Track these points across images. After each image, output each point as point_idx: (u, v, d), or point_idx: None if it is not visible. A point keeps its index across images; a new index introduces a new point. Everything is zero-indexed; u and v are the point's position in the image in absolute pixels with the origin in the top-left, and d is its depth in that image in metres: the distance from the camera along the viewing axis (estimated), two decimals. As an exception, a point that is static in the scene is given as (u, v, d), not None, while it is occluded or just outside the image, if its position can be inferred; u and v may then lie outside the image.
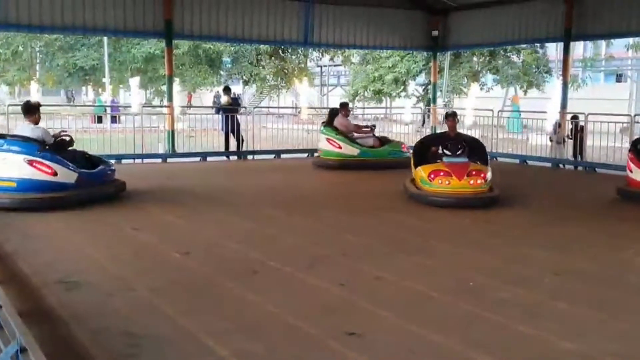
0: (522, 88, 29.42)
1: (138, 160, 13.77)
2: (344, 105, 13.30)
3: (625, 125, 14.19)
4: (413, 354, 3.78)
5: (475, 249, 6.37)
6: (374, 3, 16.25)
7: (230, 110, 15.05)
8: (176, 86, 17.03)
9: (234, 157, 14.99)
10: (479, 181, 8.53)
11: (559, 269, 5.61)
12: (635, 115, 15.31)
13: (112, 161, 9.61)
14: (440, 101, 23.36)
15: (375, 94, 30.32)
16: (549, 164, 13.79)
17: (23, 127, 8.32)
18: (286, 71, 32.15)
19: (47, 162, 7.86)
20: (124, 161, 13.51)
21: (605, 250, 6.46)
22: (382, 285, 5.15)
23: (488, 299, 4.80)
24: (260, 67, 31.56)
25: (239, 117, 15.48)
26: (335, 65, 43.10)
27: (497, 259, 5.98)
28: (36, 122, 8.31)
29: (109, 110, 25.03)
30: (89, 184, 8.32)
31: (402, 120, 21.87)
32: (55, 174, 7.89)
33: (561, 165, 13.75)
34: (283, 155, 14.98)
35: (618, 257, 6.17)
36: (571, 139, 13.99)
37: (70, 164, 8.12)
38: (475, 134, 18.87)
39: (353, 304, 4.67)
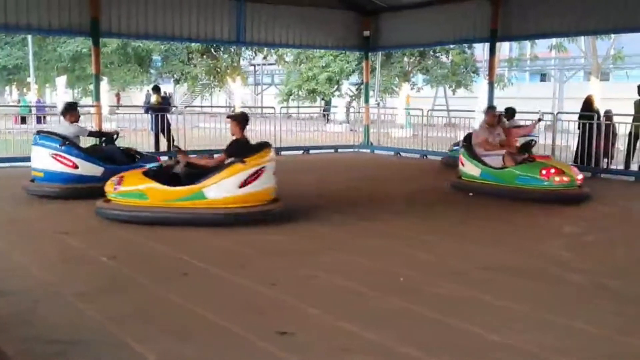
0: (451, 87, 30.10)
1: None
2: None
3: (549, 123, 14.70)
4: (346, 352, 3.81)
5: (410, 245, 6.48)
6: (306, 2, 16.27)
7: (160, 109, 14.81)
8: (104, 85, 16.61)
9: (164, 158, 14.76)
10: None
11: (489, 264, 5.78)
12: (558, 113, 15.91)
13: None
14: (372, 100, 23.64)
15: (309, 93, 30.44)
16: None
17: (60, 125, 9.55)
18: (219, 70, 31.85)
19: (68, 156, 8.71)
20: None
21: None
22: (314, 284, 5.18)
23: (420, 294, 4.90)
24: (192, 66, 31.17)
25: (169, 116, 15.26)
26: (268, 64, 42.99)
27: (431, 255, 6.11)
28: (74, 121, 9.25)
29: (34, 110, 24.21)
30: None
31: (336, 119, 22.07)
32: (76, 167, 8.73)
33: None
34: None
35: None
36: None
37: (94, 158, 8.92)
38: (407, 132, 19.31)
39: (284, 303, 4.68)
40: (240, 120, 7.56)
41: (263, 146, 7.46)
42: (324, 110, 30.34)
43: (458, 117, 17.44)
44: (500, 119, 10.81)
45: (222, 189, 7.10)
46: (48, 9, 12.96)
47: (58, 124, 9.42)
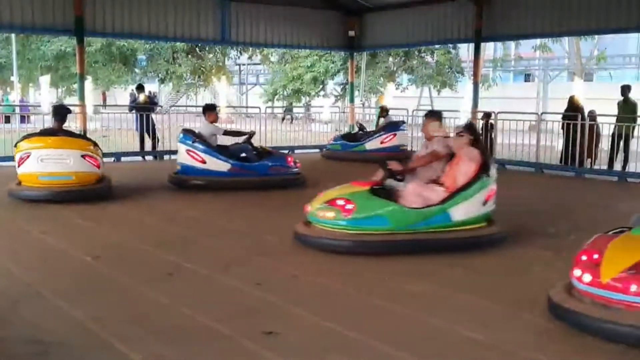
0: (436, 87, 30.19)
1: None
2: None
3: (533, 123, 14.80)
4: (328, 352, 3.82)
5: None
6: (292, 2, 16.29)
7: (145, 109, 14.73)
8: (89, 84, 16.47)
9: (149, 157, 14.72)
10: None
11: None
12: (542, 113, 16.02)
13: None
14: (357, 100, 23.67)
15: (294, 93, 30.41)
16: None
17: (201, 124, 10.32)
18: (203, 69, 31.72)
19: (198, 152, 9.59)
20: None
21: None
22: (298, 284, 5.18)
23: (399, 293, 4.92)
24: (177, 65, 31.01)
25: (154, 116, 15.19)
26: (254, 64, 42.90)
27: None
28: (212, 120, 9.99)
29: (17, 109, 23.99)
30: (245, 174, 9.70)
31: (321, 119, 22.07)
32: (204, 162, 9.55)
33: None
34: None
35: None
36: (480, 135, 14.48)
37: (221, 155, 9.62)
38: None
39: (269, 303, 4.68)
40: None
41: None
42: (285, 111, 30.52)
43: (443, 117, 17.48)
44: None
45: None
46: (32, 7, 12.87)
47: (201, 123, 10.36)
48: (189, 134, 9.81)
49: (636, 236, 4.44)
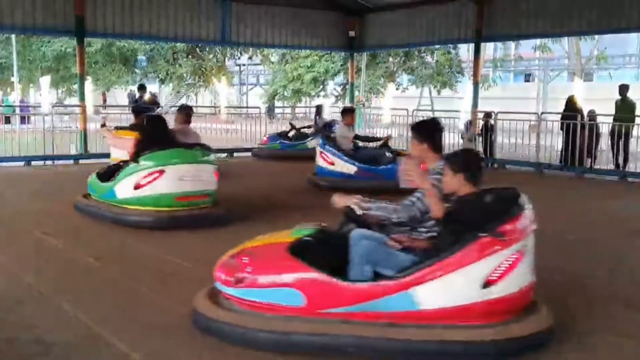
0: (436, 88, 30.19)
1: (49, 162, 13.33)
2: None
3: (533, 123, 14.80)
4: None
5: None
6: (292, 3, 16.31)
7: (150, 109, 14.69)
8: (89, 85, 16.48)
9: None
10: None
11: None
12: (542, 113, 16.03)
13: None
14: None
15: (295, 93, 30.43)
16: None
17: (338, 127, 10.56)
18: (204, 70, 31.73)
19: (327, 154, 9.89)
20: (34, 163, 13.11)
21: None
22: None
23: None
24: (177, 66, 31.03)
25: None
26: (254, 65, 42.91)
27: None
28: (348, 123, 10.21)
29: (17, 110, 23.99)
30: (372, 177, 9.49)
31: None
32: (332, 164, 9.80)
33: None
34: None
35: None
36: (480, 135, 14.56)
37: (349, 157, 9.74)
38: (392, 132, 19.35)
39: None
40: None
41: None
42: (268, 111, 30.51)
43: (443, 117, 17.50)
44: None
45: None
46: (32, 8, 12.90)
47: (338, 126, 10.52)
48: (324, 137, 10.19)
49: (284, 232, 4.14)
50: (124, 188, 7.09)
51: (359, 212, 4.03)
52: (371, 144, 10.70)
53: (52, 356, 3.70)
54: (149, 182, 6.99)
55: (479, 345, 3.60)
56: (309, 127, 15.49)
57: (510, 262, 3.64)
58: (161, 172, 6.98)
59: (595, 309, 4.62)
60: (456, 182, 3.81)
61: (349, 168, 9.75)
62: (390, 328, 3.67)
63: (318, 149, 10.14)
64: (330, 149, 9.91)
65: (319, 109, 15.90)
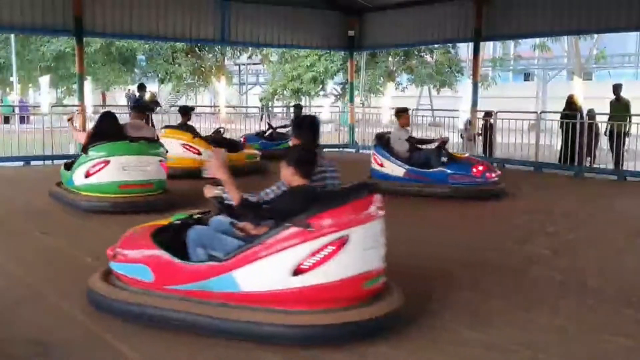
0: (435, 87, 30.18)
1: (48, 162, 13.32)
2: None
3: (532, 122, 14.80)
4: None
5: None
6: (291, 2, 16.30)
7: (150, 108, 14.68)
8: (88, 85, 16.47)
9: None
10: None
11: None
12: (541, 112, 16.02)
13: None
14: (357, 100, 23.67)
15: (294, 92, 30.40)
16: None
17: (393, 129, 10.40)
18: (203, 69, 31.71)
19: (378, 155, 9.89)
20: (33, 163, 13.11)
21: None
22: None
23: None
24: (177, 65, 31.00)
25: (153, 116, 15.17)
26: (253, 64, 42.87)
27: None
28: (403, 125, 10.00)
29: (16, 110, 23.99)
30: (420, 180, 9.39)
31: (321, 119, 22.08)
32: (382, 165, 9.77)
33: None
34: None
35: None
36: (480, 134, 14.57)
37: (398, 159, 9.61)
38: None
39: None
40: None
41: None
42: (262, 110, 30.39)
43: (442, 116, 17.53)
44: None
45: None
46: (31, 8, 12.90)
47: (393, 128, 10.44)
48: (377, 138, 10.18)
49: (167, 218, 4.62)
50: (78, 176, 8.01)
51: (225, 201, 4.33)
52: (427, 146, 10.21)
53: (50, 356, 3.70)
54: (97, 171, 7.83)
55: (286, 330, 3.79)
56: (284, 126, 15.16)
57: (327, 253, 3.75)
58: (106, 162, 7.83)
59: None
60: (289, 174, 4.05)
61: (398, 170, 9.62)
62: (219, 307, 3.92)
63: (371, 151, 10.17)
64: (381, 150, 9.82)
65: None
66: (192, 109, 12.59)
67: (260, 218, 4.05)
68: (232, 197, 4.07)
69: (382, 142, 9.99)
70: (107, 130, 7.99)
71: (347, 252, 3.78)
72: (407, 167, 9.58)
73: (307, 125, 4.72)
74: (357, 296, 3.90)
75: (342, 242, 3.76)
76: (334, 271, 3.78)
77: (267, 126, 15.52)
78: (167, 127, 11.99)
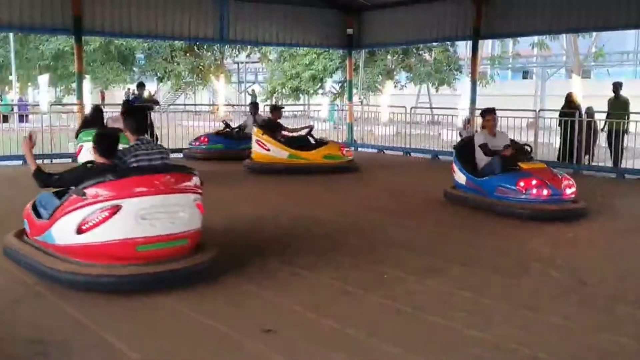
0: (434, 85, 30.18)
1: (47, 161, 13.31)
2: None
3: (531, 120, 14.80)
4: (326, 349, 3.84)
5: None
6: (290, 1, 16.28)
7: (149, 107, 14.65)
8: (87, 83, 16.48)
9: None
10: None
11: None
12: (540, 110, 16.03)
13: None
14: (356, 98, 23.67)
15: (293, 91, 30.39)
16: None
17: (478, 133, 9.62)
18: (202, 68, 31.69)
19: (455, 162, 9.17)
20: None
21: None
22: (298, 280, 5.21)
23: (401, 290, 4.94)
24: (175, 64, 30.97)
25: (152, 114, 15.14)
26: (252, 62, 42.84)
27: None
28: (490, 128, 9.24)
29: (15, 109, 24.00)
30: (473, 190, 8.60)
31: (320, 117, 22.07)
32: (455, 172, 9.05)
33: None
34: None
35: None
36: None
37: (461, 164, 8.94)
38: (390, 130, 19.37)
39: (266, 300, 4.71)
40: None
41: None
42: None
43: (441, 114, 17.56)
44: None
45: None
46: (30, 7, 12.88)
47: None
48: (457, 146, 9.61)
49: None
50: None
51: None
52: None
53: (50, 356, 3.70)
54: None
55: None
56: (239, 127, 14.56)
57: (102, 217, 4.61)
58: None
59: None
60: (95, 154, 5.02)
61: (460, 177, 8.96)
62: (47, 256, 4.94)
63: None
64: (455, 156, 9.20)
65: (254, 106, 14.84)
66: (281, 107, 13.65)
67: (50, 185, 5.09)
68: (31, 167, 5.07)
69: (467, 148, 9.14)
70: (96, 121, 9.64)
71: (119, 219, 4.60)
72: (465, 172, 8.82)
73: (130, 114, 5.39)
74: (132, 257, 4.69)
75: (114, 210, 4.59)
76: (108, 233, 4.62)
77: (224, 124, 15.03)
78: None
